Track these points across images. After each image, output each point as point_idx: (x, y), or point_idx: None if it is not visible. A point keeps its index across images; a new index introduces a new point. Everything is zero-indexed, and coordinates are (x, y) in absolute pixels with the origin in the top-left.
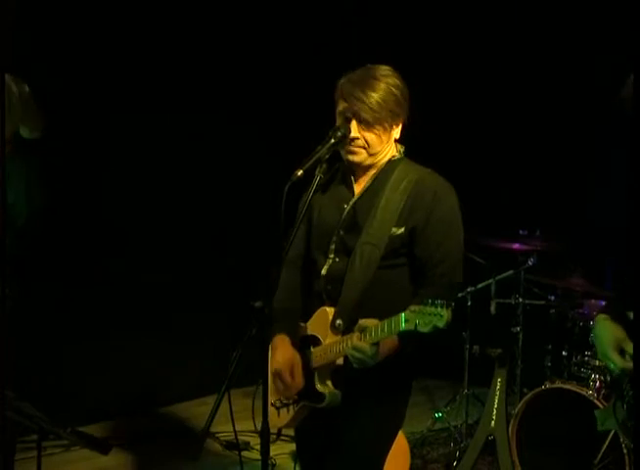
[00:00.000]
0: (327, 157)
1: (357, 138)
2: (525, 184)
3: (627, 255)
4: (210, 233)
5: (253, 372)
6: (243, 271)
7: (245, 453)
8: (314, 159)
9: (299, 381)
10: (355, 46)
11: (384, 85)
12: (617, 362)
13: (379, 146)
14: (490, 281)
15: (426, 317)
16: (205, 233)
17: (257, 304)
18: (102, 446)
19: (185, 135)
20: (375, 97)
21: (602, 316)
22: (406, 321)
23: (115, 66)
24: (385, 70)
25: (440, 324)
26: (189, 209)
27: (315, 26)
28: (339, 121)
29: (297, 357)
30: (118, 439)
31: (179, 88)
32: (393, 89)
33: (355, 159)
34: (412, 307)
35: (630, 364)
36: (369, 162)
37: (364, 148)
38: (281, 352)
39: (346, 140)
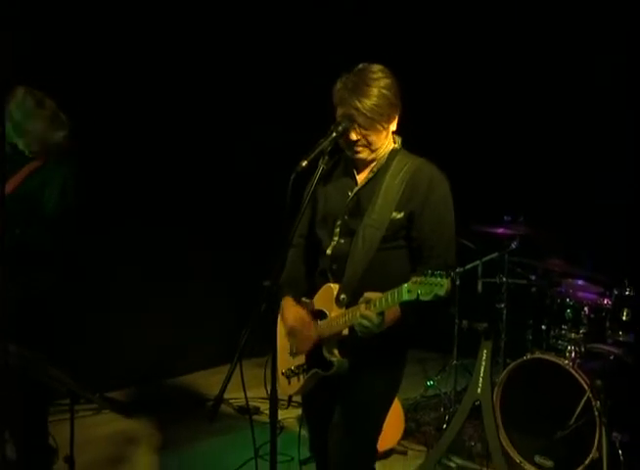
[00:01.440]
0: (329, 149)
1: (359, 140)
2: (510, 175)
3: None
4: (227, 218)
5: (264, 344)
6: (253, 252)
7: (255, 417)
8: (317, 151)
9: (313, 332)
10: (352, 38)
11: (376, 90)
12: None
13: (379, 142)
14: (477, 262)
15: (427, 287)
16: (222, 218)
17: (266, 282)
18: (126, 410)
19: (206, 133)
20: (368, 104)
21: None
22: (408, 291)
23: (135, 66)
24: (376, 71)
25: (441, 292)
26: (209, 196)
27: (318, 27)
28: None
29: (305, 313)
30: (141, 404)
31: (201, 87)
32: (385, 91)
33: (360, 156)
34: (414, 279)
35: None
36: (372, 156)
37: (366, 146)
38: (290, 312)
39: (349, 140)
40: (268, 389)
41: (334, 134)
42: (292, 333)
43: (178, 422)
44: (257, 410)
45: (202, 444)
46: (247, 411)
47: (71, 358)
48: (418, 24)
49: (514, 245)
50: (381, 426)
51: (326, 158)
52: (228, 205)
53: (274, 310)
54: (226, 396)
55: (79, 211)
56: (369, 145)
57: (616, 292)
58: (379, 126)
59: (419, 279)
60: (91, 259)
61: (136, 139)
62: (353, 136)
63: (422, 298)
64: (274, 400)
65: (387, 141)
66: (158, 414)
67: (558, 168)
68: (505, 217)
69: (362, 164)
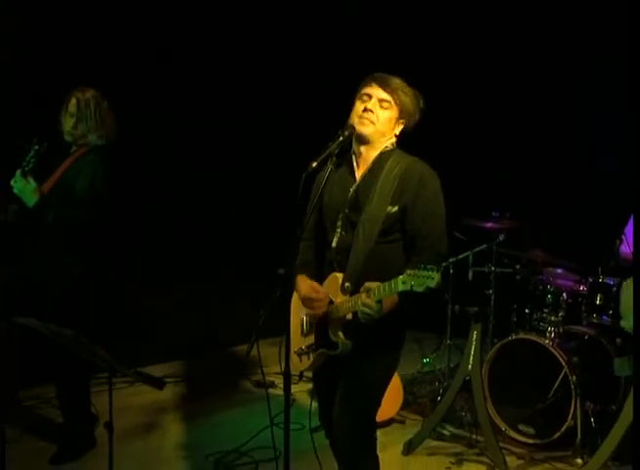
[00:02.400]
0: (337, 151)
1: (372, 111)
2: (499, 177)
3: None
4: (248, 212)
5: (278, 326)
6: (269, 243)
7: (271, 390)
8: (326, 153)
9: (325, 296)
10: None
11: (400, 82)
12: (630, 323)
13: (384, 126)
14: (468, 253)
15: (420, 279)
16: (245, 214)
17: (281, 270)
18: (158, 383)
19: (226, 134)
20: (393, 85)
21: (630, 279)
22: (403, 283)
23: (150, 64)
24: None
25: (432, 284)
26: (234, 194)
27: (334, 33)
28: (355, 104)
29: (317, 284)
30: (170, 378)
31: (217, 88)
32: (407, 90)
33: (363, 130)
34: (408, 271)
35: None
36: (374, 137)
37: (373, 122)
38: (303, 285)
39: (363, 111)
40: (282, 365)
41: (341, 138)
42: (306, 301)
43: (203, 394)
44: (273, 384)
45: (224, 413)
46: (263, 385)
47: (109, 337)
48: (414, 23)
49: (501, 238)
50: (380, 399)
51: (334, 159)
52: (252, 200)
53: (287, 296)
54: (245, 372)
55: (108, 197)
56: (376, 122)
57: (590, 279)
58: (392, 110)
59: (412, 272)
60: (127, 243)
61: (166, 136)
62: (371, 106)
63: (415, 289)
64: (287, 376)
65: (388, 136)
66: (185, 387)
67: (541, 170)
68: (493, 213)
69: (361, 162)
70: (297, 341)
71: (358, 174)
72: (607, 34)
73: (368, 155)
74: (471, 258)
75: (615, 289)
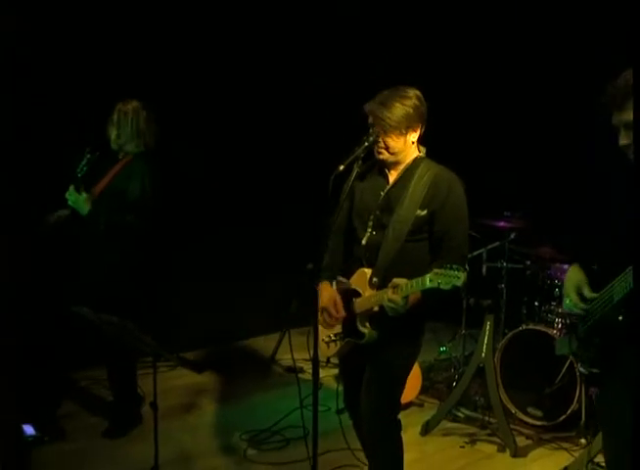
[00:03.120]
0: (362, 155)
1: (378, 141)
2: (511, 179)
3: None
4: (280, 213)
5: (307, 316)
6: (299, 241)
7: (300, 375)
8: (353, 157)
9: (341, 312)
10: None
11: (399, 105)
12: (572, 299)
13: (396, 147)
14: (482, 250)
15: (447, 278)
16: (276, 213)
17: (309, 265)
18: (197, 367)
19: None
20: (388, 115)
21: (575, 265)
22: (430, 281)
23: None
24: (408, 92)
25: (458, 283)
26: (267, 194)
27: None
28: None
29: (338, 296)
30: (209, 362)
31: (252, 94)
32: (408, 109)
33: (380, 157)
34: (435, 270)
35: (582, 304)
36: (392, 159)
37: (385, 149)
38: (325, 294)
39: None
40: (311, 352)
41: (366, 143)
42: (324, 310)
43: (238, 378)
44: (302, 370)
45: (257, 396)
46: (293, 370)
47: (154, 325)
48: (421, 26)
49: (512, 236)
50: (403, 385)
51: (359, 162)
52: (286, 200)
53: (315, 288)
54: (276, 358)
55: (155, 199)
56: (387, 148)
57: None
58: (395, 134)
59: (440, 271)
60: (166, 237)
61: (206, 135)
62: (379, 138)
63: (442, 287)
64: (316, 362)
65: (408, 148)
66: (222, 371)
67: (550, 173)
68: (505, 213)
69: (392, 168)
70: (325, 329)
71: (390, 178)
72: (613, 33)
73: (398, 165)
74: (485, 254)
75: None
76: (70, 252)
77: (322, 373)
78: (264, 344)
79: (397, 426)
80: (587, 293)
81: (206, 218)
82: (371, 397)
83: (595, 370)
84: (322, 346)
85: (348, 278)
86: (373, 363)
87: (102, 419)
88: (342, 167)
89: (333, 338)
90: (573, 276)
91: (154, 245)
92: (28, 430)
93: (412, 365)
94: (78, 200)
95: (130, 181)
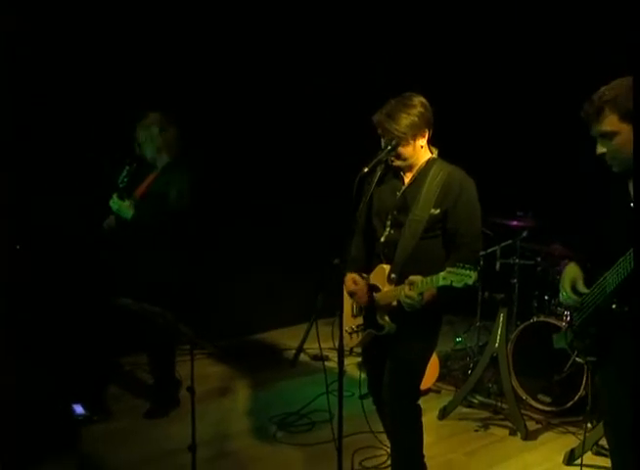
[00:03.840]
0: (384, 159)
1: (393, 151)
2: (523, 180)
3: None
4: (308, 211)
5: (333, 308)
6: (326, 237)
7: (326, 363)
8: (376, 160)
9: (365, 293)
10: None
11: (404, 115)
12: (567, 293)
13: (406, 154)
14: (496, 247)
15: (459, 276)
16: (305, 211)
17: (336, 261)
18: (231, 355)
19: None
20: (395, 127)
21: (572, 262)
22: (443, 279)
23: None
24: (412, 100)
25: (470, 282)
26: (296, 195)
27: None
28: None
29: (359, 278)
30: (242, 351)
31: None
32: (413, 117)
33: (394, 164)
34: (448, 269)
35: (575, 298)
36: (404, 165)
37: (397, 157)
38: (349, 280)
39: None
40: (336, 342)
41: (388, 148)
42: (351, 293)
43: (268, 365)
44: (327, 358)
45: (285, 382)
46: (320, 359)
47: (192, 315)
48: (431, 26)
49: (524, 234)
50: (422, 373)
51: (382, 165)
52: (309, 200)
53: (341, 282)
54: (304, 346)
55: (191, 200)
56: (398, 156)
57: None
58: (403, 142)
59: (453, 270)
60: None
61: (237, 137)
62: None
63: (454, 285)
64: (341, 350)
65: (418, 152)
66: (253, 359)
67: (560, 174)
68: (518, 213)
69: (407, 171)
70: (349, 321)
71: (406, 180)
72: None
73: (412, 168)
74: (498, 251)
75: None
76: (117, 252)
77: (346, 361)
78: (293, 334)
79: (418, 411)
80: (581, 287)
81: (236, 217)
82: (392, 386)
83: (591, 358)
84: (345, 336)
85: (368, 274)
86: (393, 356)
87: (144, 401)
88: (366, 170)
89: (355, 329)
90: (570, 271)
91: (192, 243)
92: (79, 410)
93: (429, 357)
94: (122, 206)
95: (168, 186)
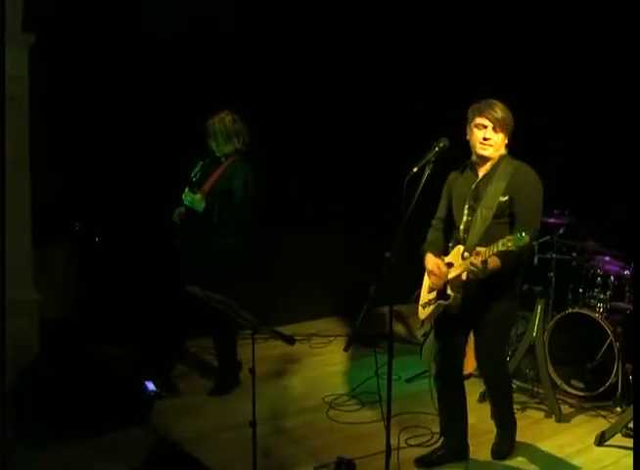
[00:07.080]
0: (433, 159)
1: (490, 138)
2: (559, 180)
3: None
4: (362, 210)
5: (382, 297)
6: (378, 233)
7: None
8: (424, 161)
9: (444, 271)
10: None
11: (505, 109)
12: None
13: (499, 145)
14: (534, 243)
15: (514, 241)
16: (359, 210)
17: (387, 254)
18: (289, 340)
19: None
20: (501, 114)
21: None
22: (502, 244)
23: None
24: (500, 104)
25: (521, 243)
26: (351, 195)
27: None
28: (473, 131)
29: (440, 261)
30: (298, 336)
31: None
32: (509, 113)
33: (485, 153)
34: (507, 237)
35: None
36: (487, 154)
37: (492, 145)
38: (430, 260)
39: (484, 139)
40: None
41: (436, 149)
42: (429, 273)
43: (322, 350)
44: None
45: (338, 365)
46: (370, 344)
47: (254, 302)
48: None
49: (561, 231)
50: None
51: (431, 165)
52: (362, 198)
53: (391, 274)
54: (356, 332)
55: (255, 193)
56: (494, 144)
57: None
58: (503, 132)
59: (511, 237)
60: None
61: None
62: (489, 135)
63: (510, 248)
64: (391, 336)
65: (501, 147)
66: (308, 344)
67: (595, 173)
68: (555, 210)
69: (482, 165)
70: (425, 296)
71: (480, 174)
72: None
73: (488, 162)
74: (536, 247)
75: None
76: (186, 242)
77: (394, 347)
78: (346, 320)
79: (506, 365)
80: None
81: (295, 215)
82: (483, 352)
83: None
84: (420, 309)
85: (446, 255)
86: (477, 327)
87: (208, 380)
88: (415, 170)
89: (428, 302)
90: None
91: (256, 233)
92: (150, 386)
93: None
94: (194, 199)
95: (233, 180)
